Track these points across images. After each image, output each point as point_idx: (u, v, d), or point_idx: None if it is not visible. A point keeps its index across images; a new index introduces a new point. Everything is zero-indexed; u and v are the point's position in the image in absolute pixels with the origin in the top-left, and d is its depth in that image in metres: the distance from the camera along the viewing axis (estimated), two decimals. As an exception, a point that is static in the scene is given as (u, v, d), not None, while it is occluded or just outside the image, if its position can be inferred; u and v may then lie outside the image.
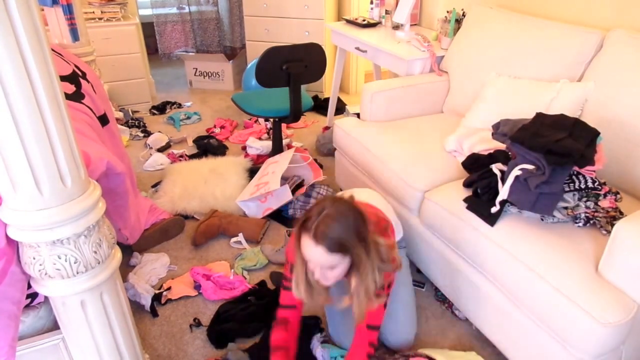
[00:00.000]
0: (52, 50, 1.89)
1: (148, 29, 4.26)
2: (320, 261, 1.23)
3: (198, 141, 3.26)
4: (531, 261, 1.37)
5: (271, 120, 3.06)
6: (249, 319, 1.75)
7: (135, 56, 3.68)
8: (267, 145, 3.05)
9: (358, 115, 2.48)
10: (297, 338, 1.54)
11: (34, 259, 0.95)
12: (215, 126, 3.51)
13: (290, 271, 1.41)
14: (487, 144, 1.85)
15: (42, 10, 2.58)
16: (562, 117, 1.52)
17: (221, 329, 1.73)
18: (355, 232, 1.21)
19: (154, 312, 1.84)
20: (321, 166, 2.80)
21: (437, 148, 2.02)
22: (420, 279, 2.01)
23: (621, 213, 1.46)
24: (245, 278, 2.01)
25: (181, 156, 3.04)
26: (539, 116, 1.56)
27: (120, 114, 3.51)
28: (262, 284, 1.98)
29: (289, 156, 2.51)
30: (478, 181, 1.63)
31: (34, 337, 1.16)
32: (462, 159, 1.84)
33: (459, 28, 2.50)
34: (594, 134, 1.45)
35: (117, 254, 1.11)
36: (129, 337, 1.19)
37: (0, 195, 0.91)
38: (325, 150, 3.08)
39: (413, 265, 2.02)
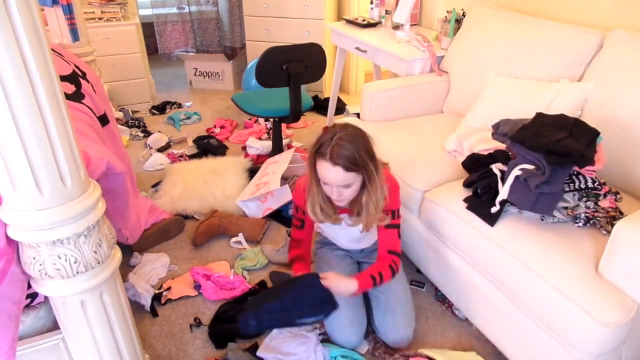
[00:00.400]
0: (52, 50, 1.89)
1: (148, 29, 4.26)
2: (338, 180, 1.38)
3: (198, 141, 3.26)
4: (531, 261, 1.37)
5: (271, 120, 3.06)
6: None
7: (135, 56, 3.68)
8: (267, 145, 3.05)
9: (358, 115, 2.48)
10: (310, 252, 1.79)
11: (34, 259, 0.95)
12: (215, 126, 3.51)
13: (296, 211, 1.68)
14: (487, 144, 1.85)
15: (42, 10, 2.58)
16: (562, 117, 1.52)
17: (223, 329, 1.73)
18: (365, 150, 1.38)
19: (154, 312, 1.84)
20: (321, 166, 2.80)
21: (437, 148, 2.02)
22: (420, 279, 2.01)
23: (621, 213, 1.46)
24: (245, 278, 2.01)
25: (181, 156, 3.04)
26: (539, 116, 1.56)
27: (120, 114, 3.51)
28: (262, 284, 1.98)
29: (289, 156, 2.51)
30: (478, 181, 1.63)
31: (34, 337, 1.16)
32: (462, 159, 1.84)
33: (459, 28, 2.50)
34: (594, 134, 1.45)
35: (117, 254, 1.11)
36: (129, 337, 1.19)
37: (0, 195, 0.91)
38: (325, 150, 3.08)
39: (413, 265, 2.02)
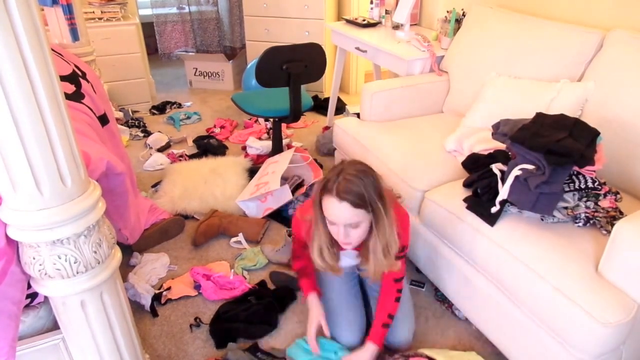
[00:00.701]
0: (52, 50, 1.89)
1: (148, 29, 4.26)
2: (345, 217, 1.29)
3: (198, 141, 3.26)
4: (531, 261, 1.37)
5: (271, 120, 3.06)
6: (252, 319, 1.75)
7: (135, 56, 3.68)
8: (267, 145, 3.05)
9: (358, 115, 2.48)
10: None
11: (34, 259, 0.95)
12: (215, 126, 3.51)
13: (297, 245, 1.63)
14: (487, 144, 1.85)
15: (42, 10, 2.58)
16: (562, 117, 1.52)
17: (223, 329, 1.73)
18: (374, 188, 1.30)
19: (154, 312, 1.84)
20: (321, 166, 2.80)
21: (437, 148, 2.02)
22: (420, 279, 2.01)
23: (621, 213, 1.46)
24: (245, 278, 2.01)
25: (181, 156, 3.04)
26: (539, 116, 1.56)
27: (120, 114, 3.51)
28: (262, 284, 1.98)
29: (289, 156, 2.51)
30: (478, 181, 1.63)
31: (34, 337, 1.16)
32: (462, 158, 1.84)
33: (459, 28, 2.50)
34: (594, 134, 1.45)
35: (117, 254, 1.11)
36: (129, 337, 1.19)
37: (1, 195, 0.91)
38: (325, 150, 3.08)
39: (413, 265, 2.02)
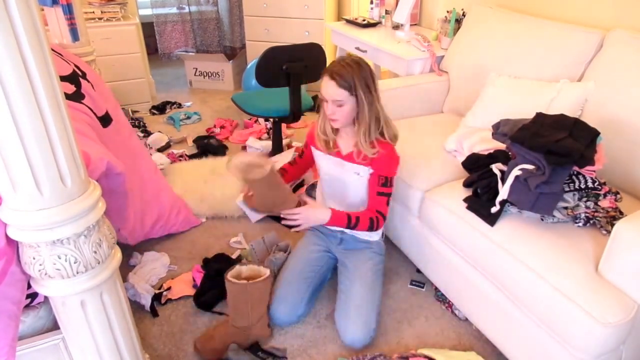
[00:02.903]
0: (52, 50, 1.89)
1: (148, 29, 4.26)
2: (331, 94, 1.54)
3: (198, 141, 3.26)
4: (531, 261, 1.37)
5: (271, 120, 3.06)
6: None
7: (135, 56, 3.68)
8: (267, 145, 3.05)
9: (358, 115, 2.48)
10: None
11: (34, 259, 0.95)
12: (215, 126, 3.51)
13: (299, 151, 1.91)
14: (487, 144, 1.85)
15: (42, 10, 2.58)
16: (562, 117, 1.52)
17: (206, 299, 1.84)
18: (362, 79, 1.52)
19: (154, 312, 1.84)
20: (321, 166, 2.80)
21: (437, 148, 2.02)
22: (420, 279, 2.01)
23: (621, 213, 1.46)
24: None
25: (181, 156, 3.04)
26: (539, 116, 1.56)
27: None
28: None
29: (289, 156, 2.51)
30: (478, 181, 1.63)
31: (34, 337, 1.16)
32: (462, 158, 1.84)
33: (459, 28, 2.50)
34: (594, 134, 1.45)
35: (117, 254, 1.11)
36: (129, 337, 1.19)
37: (1, 195, 0.91)
38: (325, 150, 3.08)
39: (413, 265, 2.02)
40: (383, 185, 1.65)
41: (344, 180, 1.72)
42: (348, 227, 1.66)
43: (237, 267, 1.70)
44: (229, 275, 1.65)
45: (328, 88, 1.55)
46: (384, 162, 1.62)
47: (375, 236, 1.84)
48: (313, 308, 1.84)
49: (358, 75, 1.52)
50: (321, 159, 1.77)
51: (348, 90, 1.52)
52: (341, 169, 1.70)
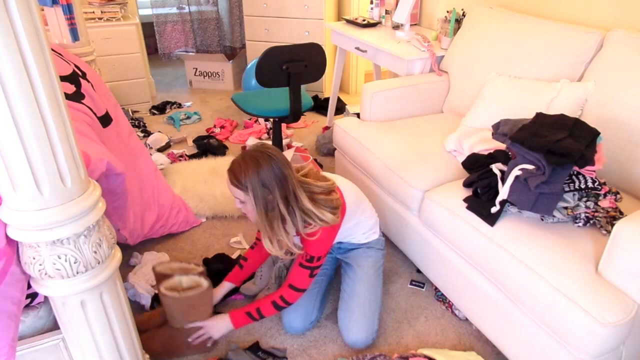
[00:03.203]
0: (52, 50, 1.89)
1: (148, 29, 4.26)
2: (230, 191, 1.44)
3: (198, 141, 3.26)
4: (531, 261, 1.37)
5: (271, 120, 3.06)
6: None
7: (135, 56, 3.68)
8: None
9: (358, 115, 2.48)
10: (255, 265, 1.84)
11: (34, 259, 0.95)
12: (215, 126, 3.51)
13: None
14: (487, 144, 1.85)
15: (42, 10, 2.58)
16: (562, 117, 1.52)
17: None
18: (258, 179, 1.37)
19: (154, 312, 1.83)
20: (321, 166, 2.80)
21: (437, 148, 2.02)
22: (420, 279, 2.01)
23: (621, 213, 1.46)
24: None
25: (181, 156, 3.04)
26: (539, 116, 1.56)
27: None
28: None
29: (289, 156, 2.51)
30: (478, 181, 1.63)
31: (34, 337, 1.16)
32: (462, 158, 1.84)
33: (459, 28, 2.50)
34: (594, 134, 1.45)
35: (117, 254, 1.11)
36: (129, 337, 1.19)
37: (1, 195, 0.91)
38: (325, 150, 3.08)
39: (413, 265, 2.02)
40: (308, 260, 1.56)
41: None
42: (254, 320, 1.61)
43: (177, 278, 1.62)
44: (164, 287, 1.57)
45: (228, 186, 1.44)
46: (311, 246, 1.53)
47: (371, 236, 1.82)
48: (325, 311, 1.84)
49: (252, 173, 1.36)
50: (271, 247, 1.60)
51: (240, 188, 1.39)
52: (293, 257, 1.61)
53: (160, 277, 1.63)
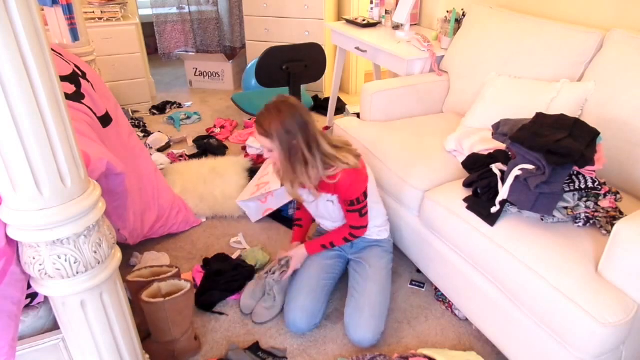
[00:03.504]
0: (52, 50, 1.89)
1: (148, 29, 4.26)
2: (259, 141, 1.56)
3: (198, 141, 3.26)
4: (531, 261, 1.37)
5: (271, 120, 3.05)
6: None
7: (135, 56, 3.68)
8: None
9: (358, 115, 2.48)
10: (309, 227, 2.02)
11: (33, 259, 0.95)
12: (215, 126, 3.51)
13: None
14: (487, 144, 1.85)
15: (42, 10, 2.58)
16: (562, 117, 1.52)
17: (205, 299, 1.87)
18: (281, 122, 1.48)
19: (154, 312, 1.83)
20: (321, 166, 2.80)
21: (437, 148, 2.02)
22: (420, 279, 2.01)
23: (621, 213, 1.46)
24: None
25: (181, 156, 3.04)
26: (539, 116, 1.56)
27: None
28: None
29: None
30: (478, 181, 1.63)
31: (34, 337, 1.16)
32: (462, 158, 1.84)
33: (459, 28, 2.50)
34: (594, 134, 1.45)
35: (117, 254, 1.11)
36: (129, 337, 1.19)
37: (1, 195, 0.91)
38: (325, 150, 3.08)
39: (413, 265, 2.02)
40: (350, 205, 1.67)
41: (323, 206, 1.76)
42: (326, 249, 1.82)
43: (156, 284, 1.58)
44: (145, 295, 1.53)
45: (255, 136, 1.56)
46: (344, 190, 1.63)
47: (383, 234, 1.87)
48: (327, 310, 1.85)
49: (276, 121, 1.48)
50: (300, 191, 1.75)
51: (266, 137, 1.51)
52: (315, 198, 1.72)
53: (136, 286, 1.57)
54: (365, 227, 1.75)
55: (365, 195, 1.67)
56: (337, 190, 1.64)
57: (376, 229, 1.85)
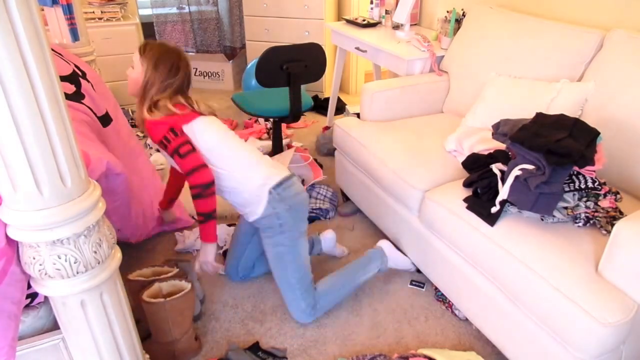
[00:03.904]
0: (52, 50, 1.89)
1: (148, 29, 4.26)
2: (133, 57, 1.63)
3: (198, 141, 3.25)
4: (531, 261, 1.37)
5: (271, 120, 3.06)
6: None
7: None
8: (267, 145, 3.05)
9: (358, 115, 2.48)
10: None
11: (34, 259, 0.95)
12: (215, 126, 3.50)
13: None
14: (487, 144, 1.85)
15: (42, 10, 2.58)
16: (562, 117, 1.52)
17: None
18: (159, 56, 1.58)
19: (154, 312, 1.83)
20: (321, 166, 2.80)
21: (437, 148, 2.02)
22: (420, 279, 2.01)
23: (621, 213, 1.46)
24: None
25: (181, 156, 3.03)
26: (539, 116, 1.56)
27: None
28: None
29: (289, 156, 2.51)
30: (478, 181, 1.63)
31: (34, 337, 1.16)
32: (462, 158, 1.84)
33: (459, 28, 2.50)
34: (594, 134, 1.45)
35: (117, 254, 1.11)
36: (129, 337, 1.19)
37: (1, 195, 0.91)
38: (325, 150, 3.08)
39: (413, 265, 2.02)
40: (165, 148, 1.57)
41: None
42: (208, 221, 1.60)
43: (157, 285, 1.58)
44: (145, 295, 1.53)
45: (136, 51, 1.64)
46: (148, 129, 1.58)
47: (253, 208, 1.65)
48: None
49: (157, 51, 1.58)
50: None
51: (141, 57, 1.59)
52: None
53: (136, 286, 1.57)
54: (198, 169, 1.53)
55: (173, 132, 1.55)
56: (148, 131, 1.59)
57: (234, 194, 1.65)
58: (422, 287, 1.98)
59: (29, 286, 1.04)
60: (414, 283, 1.99)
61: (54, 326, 1.18)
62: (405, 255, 2.00)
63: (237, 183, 1.62)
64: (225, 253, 2.13)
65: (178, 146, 1.54)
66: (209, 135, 1.61)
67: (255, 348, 1.67)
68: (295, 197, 1.67)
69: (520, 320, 1.44)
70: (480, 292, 1.58)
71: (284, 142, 3.08)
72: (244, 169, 1.63)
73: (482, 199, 1.59)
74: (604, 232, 1.43)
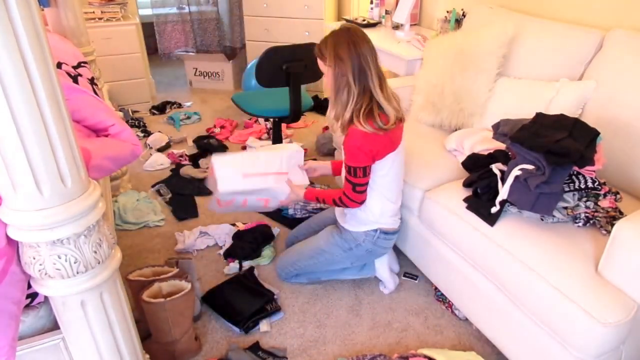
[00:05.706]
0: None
1: (148, 29, 4.26)
2: (319, 64, 1.61)
3: (198, 141, 3.26)
4: (531, 261, 1.37)
5: (271, 120, 3.06)
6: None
7: (135, 56, 3.68)
8: (267, 145, 3.05)
9: (358, 115, 2.47)
10: None
11: (34, 258, 0.95)
12: (215, 126, 3.51)
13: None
14: (487, 144, 1.85)
15: (42, 10, 2.57)
16: (562, 117, 1.52)
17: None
18: (333, 46, 1.51)
19: (154, 312, 1.83)
20: (321, 166, 2.79)
21: (437, 148, 2.02)
22: (413, 272, 2.02)
23: (621, 213, 1.46)
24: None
25: (181, 156, 3.04)
26: (539, 116, 1.56)
27: (120, 114, 3.51)
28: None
29: (293, 147, 2.51)
30: (478, 181, 1.63)
31: (34, 337, 1.16)
32: (462, 158, 1.84)
33: (459, 28, 2.50)
34: (593, 134, 1.45)
35: (117, 254, 1.11)
36: (129, 337, 1.19)
37: (1, 195, 0.91)
38: (325, 150, 3.08)
39: (412, 264, 2.02)
40: (347, 171, 1.61)
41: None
42: (317, 202, 1.88)
43: (157, 285, 1.58)
44: (145, 295, 1.53)
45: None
46: (345, 148, 1.57)
47: (363, 238, 1.76)
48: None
49: (330, 41, 1.52)
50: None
51: (320, 57, 1.56)
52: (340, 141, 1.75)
53: (137, 286, 1.57)
54: (358, 203, 1.65)
55: (364, 173, 1.58)
56: (344, 144, 1.57)
57: (363, 220, 1.73)
58: (415, 279, 1.98)
59: (29, 286, 1.04)
60: (407, 275, 2.00)
61: (54, 326, 1.18)
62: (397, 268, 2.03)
63: (369, 198, 1.69)
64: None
65: (357, 185, 1.64)
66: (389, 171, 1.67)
67: (255, 348, 1.67)
68: (383, 249, 1.83)
69: (520, 320, 1.44)
70: (480, 292, 1.58)
71: (284, 142, 3.08)
72: (383, 196, 1.71)
73: (482, 199, 1.59)
74: (604, 232, 1.43)
